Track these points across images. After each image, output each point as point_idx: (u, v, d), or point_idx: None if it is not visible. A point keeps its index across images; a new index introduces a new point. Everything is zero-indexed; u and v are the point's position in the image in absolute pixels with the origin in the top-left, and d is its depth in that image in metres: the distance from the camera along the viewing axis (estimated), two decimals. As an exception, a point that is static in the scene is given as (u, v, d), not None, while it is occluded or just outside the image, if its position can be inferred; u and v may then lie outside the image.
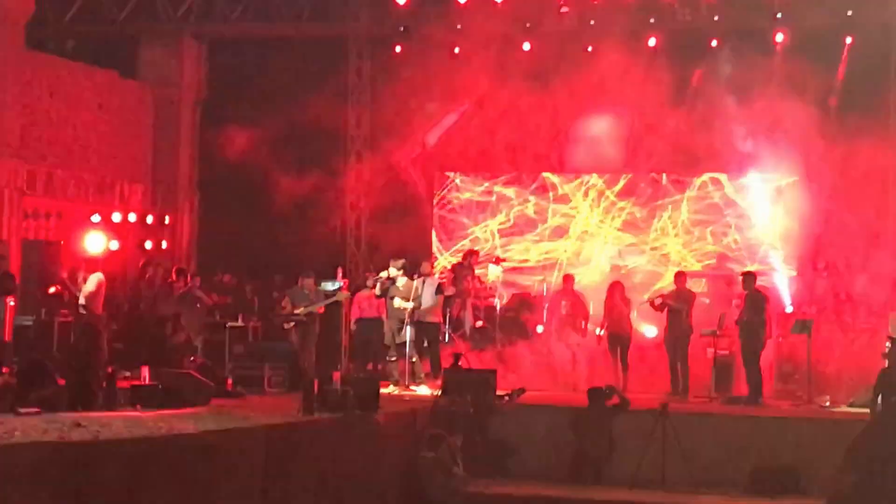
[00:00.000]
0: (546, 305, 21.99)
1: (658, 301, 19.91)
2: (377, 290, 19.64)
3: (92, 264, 18.17)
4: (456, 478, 15.63)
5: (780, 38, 23.80)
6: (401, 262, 19.55)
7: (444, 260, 25.64)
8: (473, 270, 22.49)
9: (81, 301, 17.43)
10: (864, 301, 20.61)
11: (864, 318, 20.28)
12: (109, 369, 16.12)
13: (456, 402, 17.14)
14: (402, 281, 19.24)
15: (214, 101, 27.35)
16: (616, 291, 20.43)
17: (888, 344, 16.29)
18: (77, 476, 11.04)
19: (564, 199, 25.81)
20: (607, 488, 16.38)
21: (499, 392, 17.85)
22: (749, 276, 19.39)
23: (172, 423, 13.48)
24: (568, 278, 21.50)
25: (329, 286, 20.53)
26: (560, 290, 21.51)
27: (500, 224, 26.00)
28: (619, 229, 25.39)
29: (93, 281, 17.25)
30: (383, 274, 19.42)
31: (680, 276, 20.28)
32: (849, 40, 23.72)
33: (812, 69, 22.67)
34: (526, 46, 24.88)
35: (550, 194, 25.86)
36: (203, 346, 20.47)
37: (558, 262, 25.23)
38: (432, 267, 21.65)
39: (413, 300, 19.11)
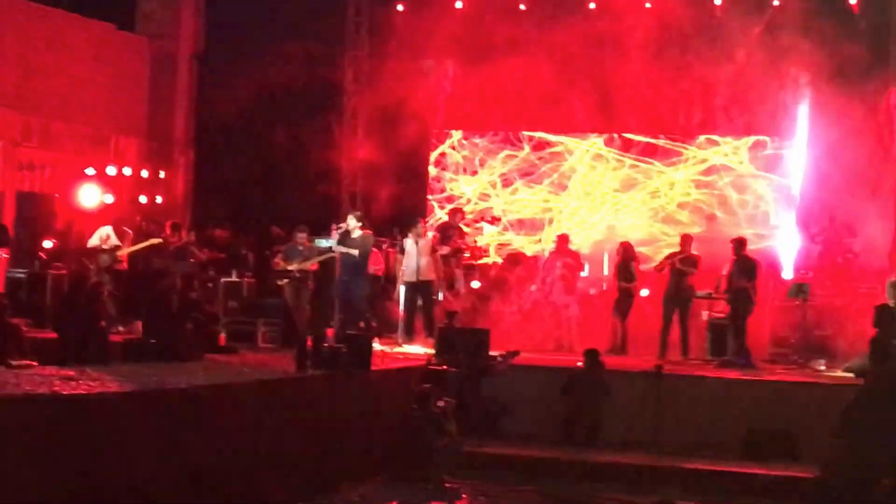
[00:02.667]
0: (541, 265, 21.91)
1: (661, 265, 19.87)
2: (334, 242, 19.47)
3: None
4: (449, 436, 15.58)
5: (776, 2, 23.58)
6: (358, 213, 19.53)
7: (442, 217, 25.54)
8: (461, 229, 22.40)
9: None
10: (861, 265, 20.55)
11: (861, 282, 20.21)
12: (102, 323, 16.11)
13: (449, 361, 17.10)
14: (357, 233, 19.04)
15: (211, 55, 27.15)
16: (625, 252, 20.42)
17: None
18: (68, 429, 10.98)
19: (562, 158, 25.70)
20: (600, 450, 16.37)
21: (492, 353, 17.81)
22: (739, 242, 19.32)
23: (164, 377, 13.42)
24: (563, 238, 21.45)
25: (323, 242, 20.48)
26: (555, 250, 21.45)
27: (497, 183, 25.89)
28: (616, 189, 25.29)
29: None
30: (342, 226, 19.25)
31: (687, 239, 20.15)
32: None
33: (809, 27, 22.50)
34: (521, 7, 24.74)
35: (548, 153, 25.76)
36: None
37: (554, 221, 25.14)
38: (425, 225, 21.53)
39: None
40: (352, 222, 19.00)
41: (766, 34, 23.07)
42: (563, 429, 16.84)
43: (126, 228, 20.32)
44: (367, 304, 19.60)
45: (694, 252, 19.91)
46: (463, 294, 21.28)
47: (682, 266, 19.54)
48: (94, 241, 20.06)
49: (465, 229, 22.99)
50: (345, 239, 18.95)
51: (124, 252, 19.89)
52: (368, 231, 19.94)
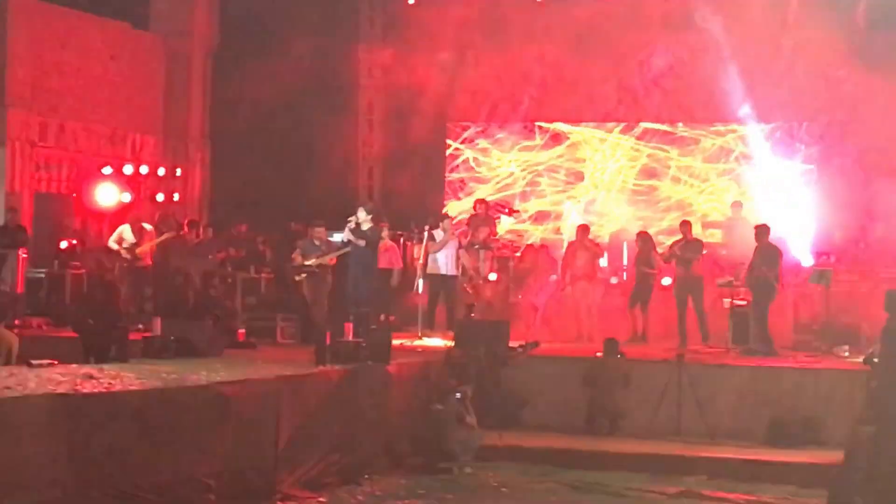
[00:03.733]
0: (561, 256, 21.82)
1: (666, 254, 19.81)
2: (344, 236, 18.81)
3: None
4: (469, 428, 15.52)
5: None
6: (369, 206, 18.94)
7: (459, 209, 25.49)
8: (490, 219, 22.33)
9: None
10: (883, 250, 20.41)
11: (883, 266, 20.07)
12: (121, 321, 16.12)
13: (469, 353, 17.03)
14: (367, 226, 18.36)
15: (226, 52, 27.14)
16: (643, 241, 20.36)
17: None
18: (89, 427, 10.97)
19: (580, 149, 25.62)
20: (622, 440, 16.28)
21: (512, 343, 17.74)
22: (762, 229, 19.13)
23: (184, 374, 13.40)
24: (583, 228, 21.33)
25: (340, 237, 20.36)
26: (575, 241, 21.33)
27: (515, 174, 25.83)
28: (634, 179, 25.19)
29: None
30: (352, 219, 18.53)
31: (685, 225, 20.14)
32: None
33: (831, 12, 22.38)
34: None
35: (566, 144, 25.68)
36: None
37: (572, 211, 25.03)
38: (448, 218, 21.45)
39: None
40: (362, 215, 18.35)
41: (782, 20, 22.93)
42: (584, 419, 16.75)
43: (145, 225, 20.30)
44: (376, 296, 19.28)
45: (696, 237, 19.86)
46: (484, 285, 21.21)
47: (681, 252, 19.47)
48: (112, 241, 20.08)
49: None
50: (356, 233, 18.52)
51: (142, 249, 19.88)
52: (384, 224, 19.83)
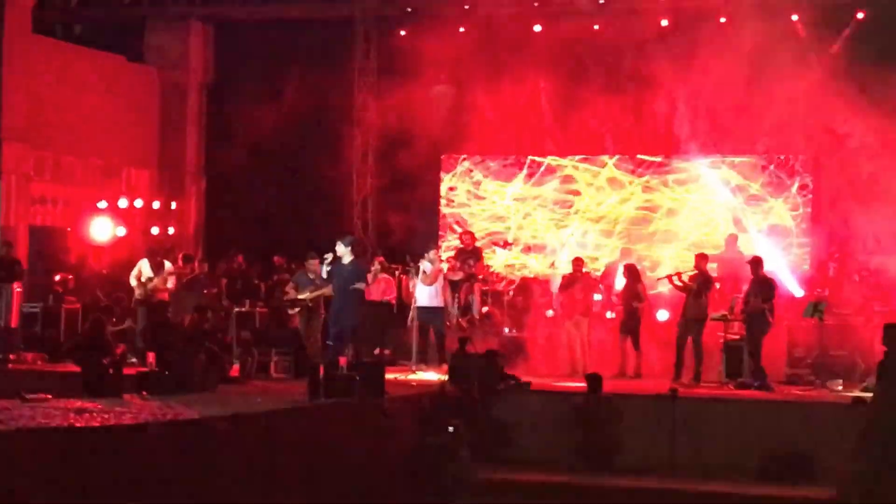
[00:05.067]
0: (556, 289, 21.84)
1: (679, 283, 19.66)
2: (323, 272, 18.54)
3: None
4: (463, 463, 15.50)
5: (794, 17, 23.52)
6: (348, 238, 18.48)
7: (453, 242, 25.53)
8: (479, 252, 22.37)
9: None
10: (878, 283, 20.42)
11: (878, 300, 20.07)
12: (116, 354, 16.13)
13: (462, 387, 17.03)
14: (348, 259, 18.05)
15: (221, 84, 27.26)
16: (630, 273, 20.35)
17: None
18: (82, 462, 10.96)
19: (574, 181, 25.66)
20: (616, 475, 16.25)
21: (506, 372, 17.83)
22: (756, 261, 19.17)
23: (178, 408, 13.39)
24: (578, 262, 21.32)
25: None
26: (570, 274, 21.32)
27: (509, 207, 25.87)
28: (629, 212, 25.22)
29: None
30: (328, 256, 18.25)
31: (702, 258, 19.91)
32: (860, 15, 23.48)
33: (826, 46, 22.49)
34: (537, 28, 24.76)
35: (560, 176, 25.72)
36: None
37: (567, 245, 25.06)
38: (438, 251, 21.48)
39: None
40: (340, 248, 17.88)
41: (775, 53, 22.97)
42: (576, 454, 16.72)
43: (161, 259, 20.37)
44: (361, 329, 19.18)
45: (709, 271, 19.80)
46: (477, 320, 21.23)
47: (695, 286, 19.36)
48: (132, 276, 20.16)
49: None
50: (336, 266, 18.12)
51: (154, 285, 19.93)
52: (379, 258, 19.82)
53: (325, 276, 18.43)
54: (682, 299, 19.61)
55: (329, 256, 18.15)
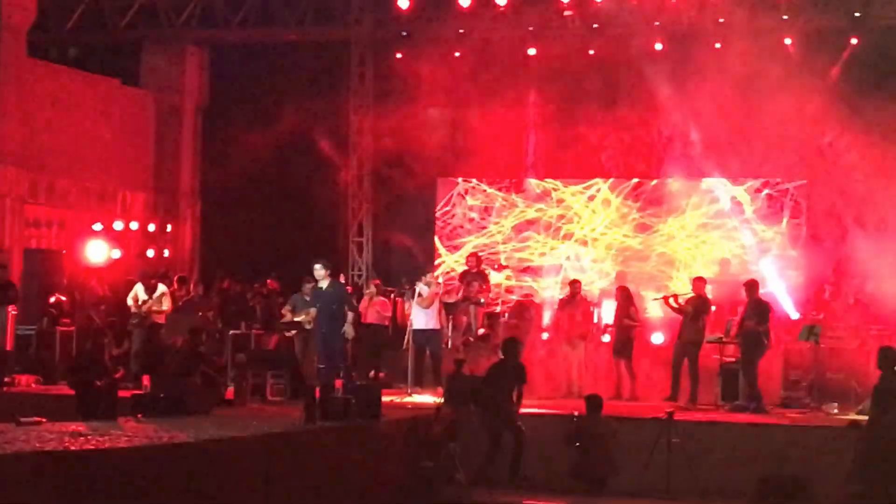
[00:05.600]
0: (552, 312, 21.81)
1: (674, 305, 19.65)
2: (309, 296, 18.57)
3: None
4: (458, 485, 15.47)
5: (787, 41, 23.58)
6: (323, 261, 17.73)
7: (449, 265, 25.54)
8: (484, 275, 22.34)
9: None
10: (873, 306, 20.43)
11: (873, 323, 20.08)
12: (111, 378, 16.11)
13: (458, 409, 16.99)
14: (325, 283, 17.61)
15: (216, 107, 27.28)
16: (623, 296, 20.34)
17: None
18: (77, 485, 10.93)
19: (569, 205, 25.69)
20: (612, 498, 16.21)
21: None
22: (752, 284, 19.18)
23: (173, 431, 13.36)
24: (576, 284, 21.26)
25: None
26: (567, 297, 21.30)
27: (504, 230, 25.88)
28: (624, 235, 25.25)
29: None
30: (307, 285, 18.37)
31: (699, 282, 19.90)
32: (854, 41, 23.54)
33: (819, 70, 22.55)
34: (532, 52, 24.81)
35: (555, 198, 25.75)
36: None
37: (563, 268, 25.08)
38: (434, 274, 21.47)
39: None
40: (319, 273, 17.45)
41: (769, 77, 23.05)
42: (574, 476, 16.67)
43: (155, 282, 20.39)
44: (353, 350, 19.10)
45: (706, 294, 19.81)
46: (473, 342, 21.21)
47: (692, 309, 19.35)
48: (129, 299, 20.21)
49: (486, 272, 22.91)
50: (316, 292, 17.79)
51: (148, 306, 19.96)
52: (375, 280, 19.81)
53: (307, 299, 18.38)
54: (678, 322, 19.60)
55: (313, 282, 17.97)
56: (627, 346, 20.10)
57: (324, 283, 17.48)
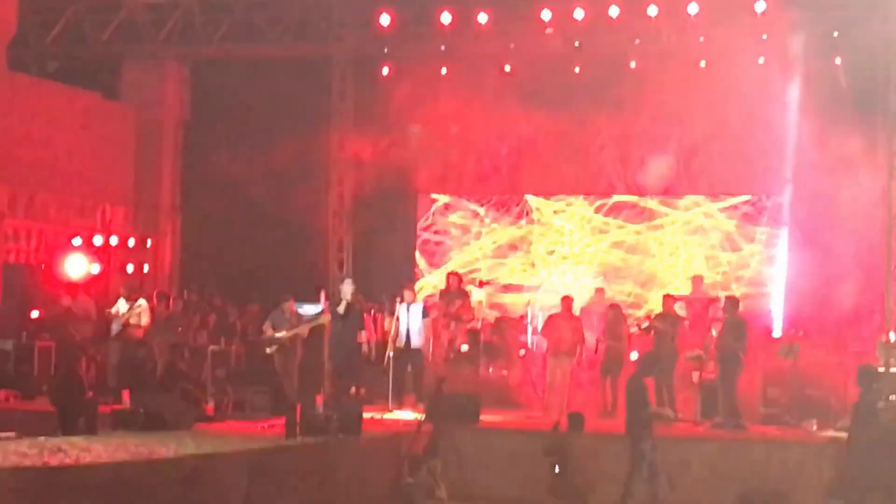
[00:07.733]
0: (538, 328, 21.75)
1: (645, 324, 19.79)
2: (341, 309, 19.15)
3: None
4: (439, 502, 15.47)
5: (761, 60, 23.65)
6: (349, 280, 19.23)
7: (429, 282, 25.53)
8: (464, 292, 22.32)
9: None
10: (852, 324, 20.51)
11: (852, 340, 20.16)
12: (90, 394, 16.04)
13: (439, 426, 16.98)
14: (347, 299, 18.83)
15: (197, 122, 27.22)
16: (615, 314, 20.38)
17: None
18: (57, 501, 10.89)
19: (550, 222, 25.73)
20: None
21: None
22: (731, 301, 19.28)
23: (153, 447, 13.32)
24: (567, 300, 21.10)
25: (310, 310, 20.33)
26: (559, 313, 21.13)
27: (485, 246, 25.91)
28: (604, 252, 25.29)
29: None
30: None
31: (668, 299, 20.15)
32: (838, 61, 23.61)
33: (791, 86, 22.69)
34: (507, 68, 24.85)
35: (536, 217, 25.80)
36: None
37: (543, 285, 25.10)
38: (414, 292, 21.43)
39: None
40: (348, 289, 18.89)
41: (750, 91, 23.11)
42: (554, 493, 16.66)
43: (135, 296, 20.40)
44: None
45: (676, 311, 19.88)
46: (453, 359, 21.18)
47: (661, 325, 19.46)
48: (111, 313, 20.24)
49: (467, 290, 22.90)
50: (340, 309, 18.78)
51: (123, 319, 19.96)
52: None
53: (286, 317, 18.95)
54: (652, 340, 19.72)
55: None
56: (616, 365, 20.12)
57: (348, 299, 18.43)
